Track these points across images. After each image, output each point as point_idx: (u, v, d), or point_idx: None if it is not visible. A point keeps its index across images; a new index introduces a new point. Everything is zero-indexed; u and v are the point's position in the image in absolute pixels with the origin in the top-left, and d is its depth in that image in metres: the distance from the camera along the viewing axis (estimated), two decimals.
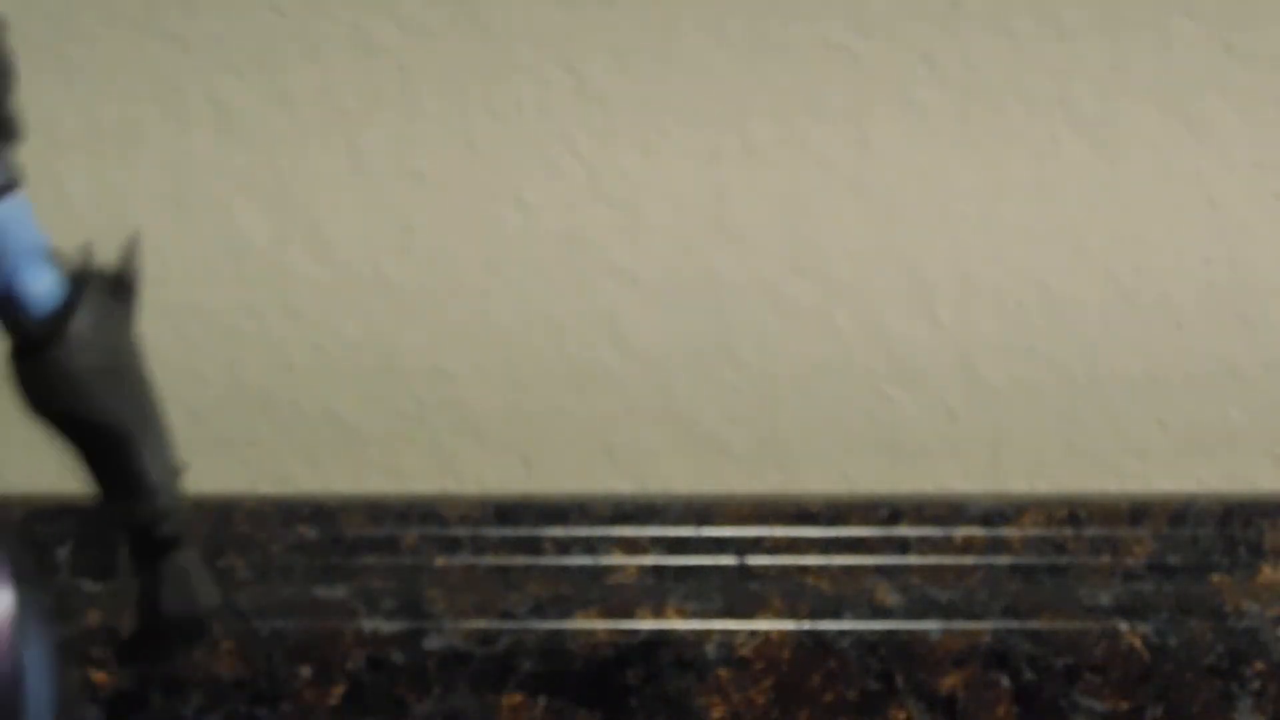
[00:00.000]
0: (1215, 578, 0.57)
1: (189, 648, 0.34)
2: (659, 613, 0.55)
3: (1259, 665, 0.55)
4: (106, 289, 0.30)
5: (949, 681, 0.55)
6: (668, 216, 0.59)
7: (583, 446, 0.61)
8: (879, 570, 0.56)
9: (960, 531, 0.57)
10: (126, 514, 0.32)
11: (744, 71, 0.58)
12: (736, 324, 0.60)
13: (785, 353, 0.61)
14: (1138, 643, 0.55)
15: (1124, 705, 0.55)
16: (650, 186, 0.59)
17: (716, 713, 0.55)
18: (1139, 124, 0.59)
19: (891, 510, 0.57)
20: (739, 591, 0.56)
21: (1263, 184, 0.60)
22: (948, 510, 0.57)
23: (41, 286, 0.29)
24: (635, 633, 0.55)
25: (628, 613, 0.55)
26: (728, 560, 0.56)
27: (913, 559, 0.57)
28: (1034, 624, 0.55)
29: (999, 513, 0.57)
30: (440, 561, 0.56)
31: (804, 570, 0.56)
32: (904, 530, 0.57)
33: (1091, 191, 0.60)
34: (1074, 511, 0.57)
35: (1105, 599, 0.56)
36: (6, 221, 0.29)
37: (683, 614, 0.55)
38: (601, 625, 0.55)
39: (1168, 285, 0.61)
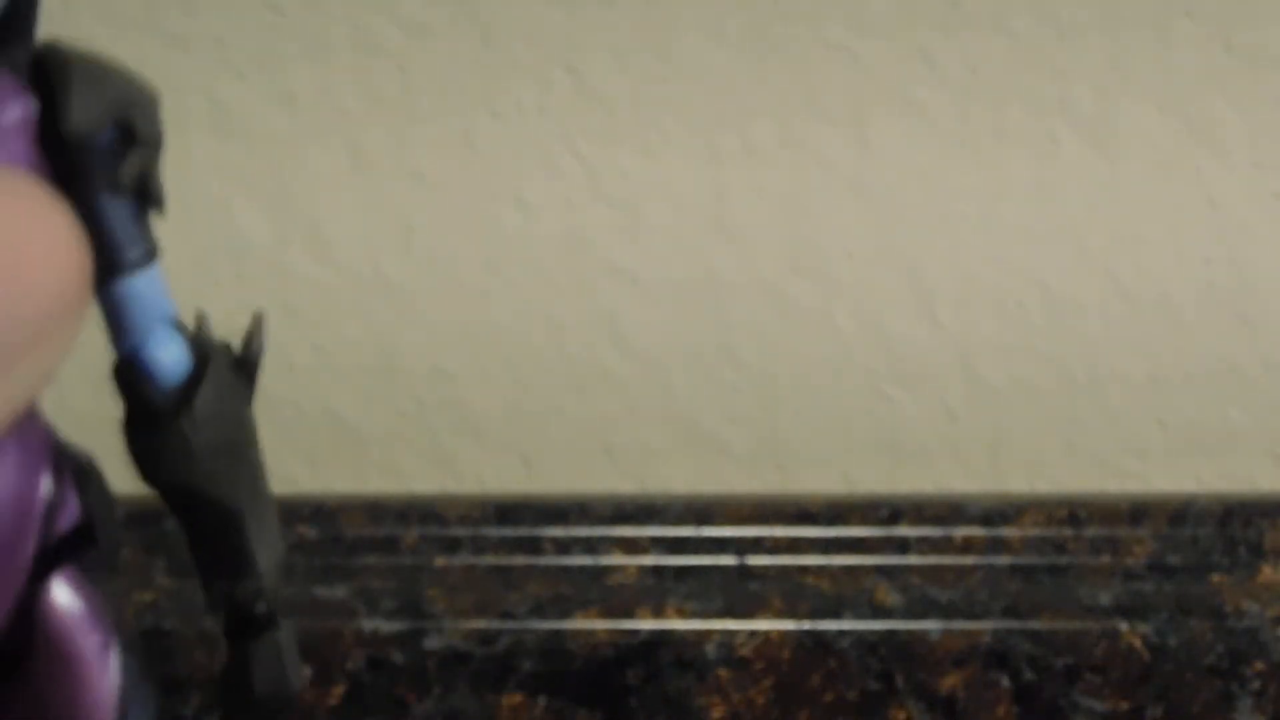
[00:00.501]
0: (1215, 578, 0.57)
1: None
2: (659, 613, 0.55)
3: (1259, 665, 0.55)
4: (231, 364, 0.30)
5: (949, 681, 0.55)
6: (668, 216, 0.59)
7: (583, 446, 0.61)
8: (879, 570, 0.56)
9: (960, 531, 0.57)
10: (229, 592, 0.32)
11: (744, 71, 0.58)
12: (736, 324, 0.60)
13: (785, 353, 0.61)
14: (1138, 643, 0.55)
15: (1124, 705, 0.55)
16: (650, 186, 0.59)
17: (716, 713, 0.55)
18: (1139, 124, 0.59)
19: (891, 510, 0.57)
20: (739, 591, 0.56)
21: (1263, 184, 0.60)
22: (948, 510, 0.57)
23: (168, 357, 0.29)
24: (635, 633, 0.55)
25: (628, 613, 0.55)
26: (728, 560, 0.56)
27: (913, 559, 0.57)
28: (1034, 624, 0.55)
29: (999, 513, 0.57)
30: (440, 561, 0.56)
31: (804, 570, 0.56)
32: (904, 530, 0.57)
33: (1091, 191, 0.60)
34: (1074, 511, 0.57)
35: (1105, 599, 0.56)
36: (142, 290, 0.28)
37: (683, 614, 0.55)
38: (601, 625, 0.55)
39: (1168, 285, 0.61)
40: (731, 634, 0.55)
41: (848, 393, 0.61)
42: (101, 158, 0.27)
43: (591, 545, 0.56)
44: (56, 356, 0.22)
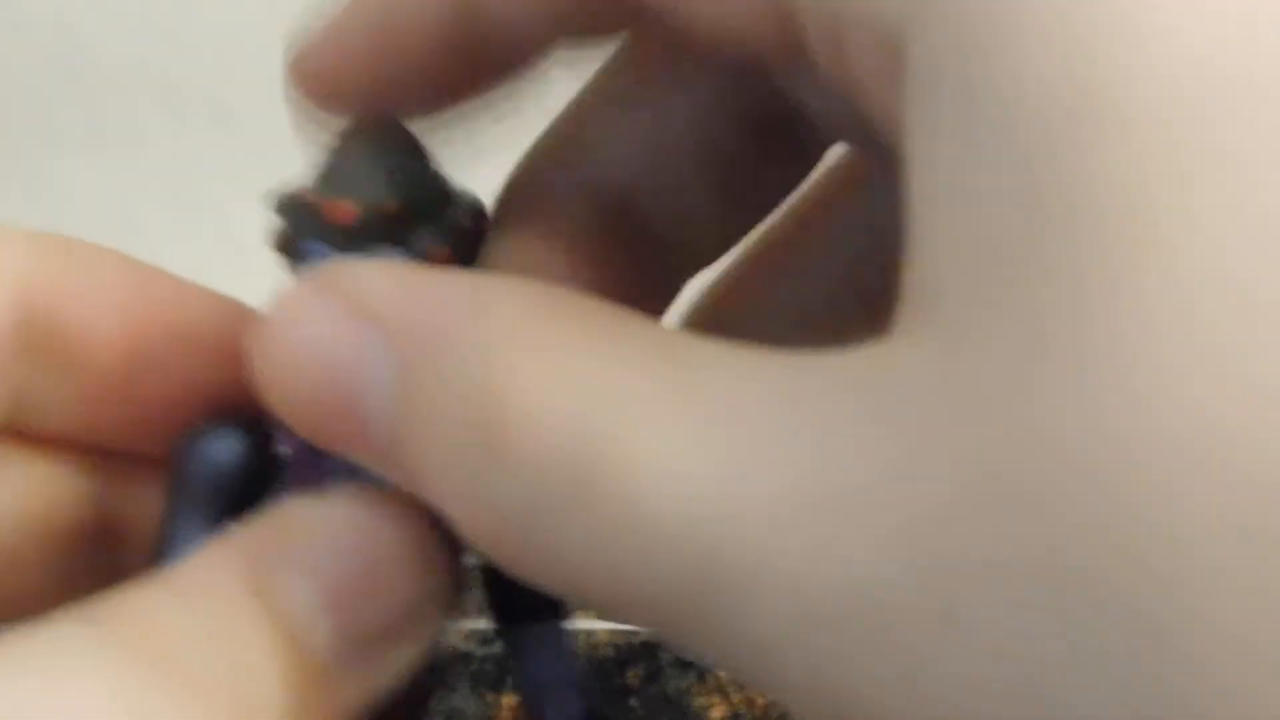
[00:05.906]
0: None
1: None
2: None
3: None
4: None
5: None
6: None
7: None
8: None
9: None
10: None
11: None
12: None
13: None
14: None
15: None
16: None
17: (716, 713, 0.55)
18: None
19: None
20: None
21: None
22: None
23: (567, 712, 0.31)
24: (635, 633, 0.55)
25: None
26: None
27: None
28: None
29: None
30: None
31: None
32: None
33: None
34: None
35: None
36: (536, 645, 0.31)
37: None
38: (601, 625, 0.55)
39: None
40: None
41: None
42: None
43: None
44: (417, 652, 0.25)
